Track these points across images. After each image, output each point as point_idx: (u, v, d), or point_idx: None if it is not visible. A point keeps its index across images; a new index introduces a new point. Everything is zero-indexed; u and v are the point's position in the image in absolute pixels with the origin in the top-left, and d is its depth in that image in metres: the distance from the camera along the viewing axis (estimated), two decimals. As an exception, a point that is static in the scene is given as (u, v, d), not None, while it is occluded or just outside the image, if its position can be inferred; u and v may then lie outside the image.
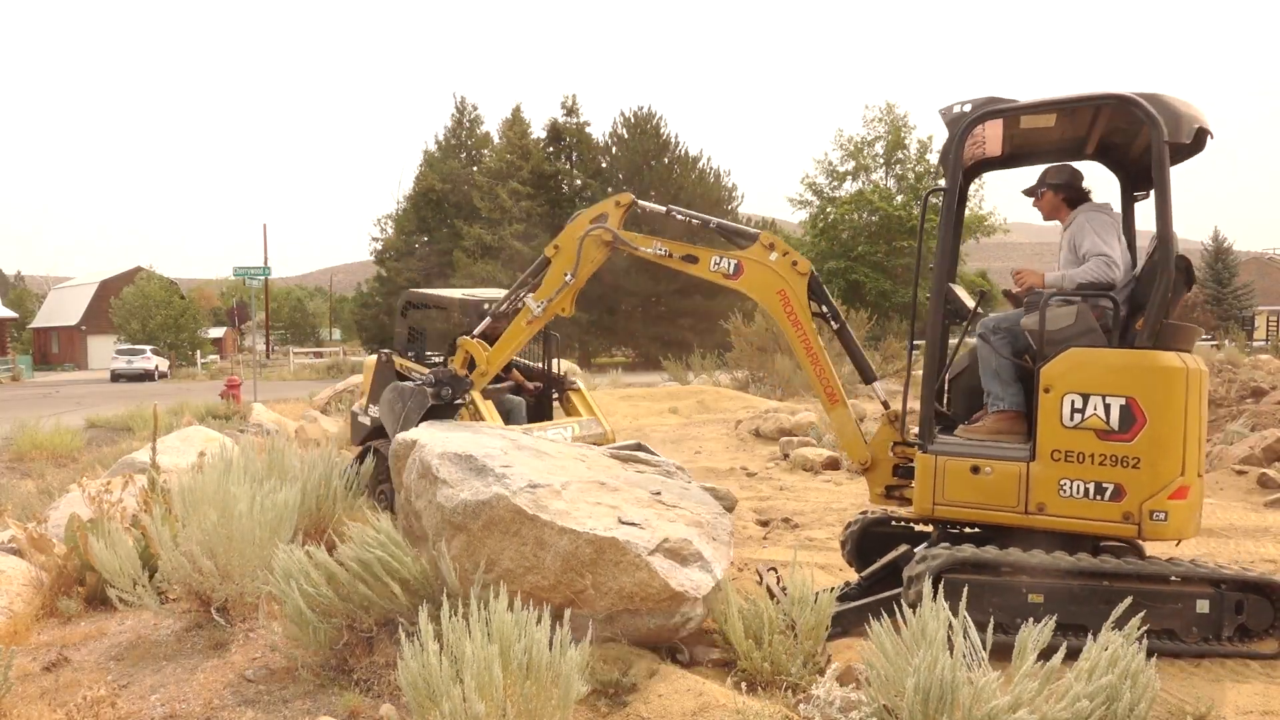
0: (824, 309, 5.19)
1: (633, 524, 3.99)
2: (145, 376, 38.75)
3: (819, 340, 5.12)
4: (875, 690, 2.96)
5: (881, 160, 46.11)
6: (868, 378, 5.36)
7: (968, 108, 4.46)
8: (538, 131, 46.88)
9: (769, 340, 20.31)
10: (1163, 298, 4.11)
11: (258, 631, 4.38)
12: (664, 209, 5.69)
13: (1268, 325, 54.34)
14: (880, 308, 35.24)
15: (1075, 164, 4.85)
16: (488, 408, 7.38)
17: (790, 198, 46.96)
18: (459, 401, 5.74)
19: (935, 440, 4.50)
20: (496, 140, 47.46)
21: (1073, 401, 4.12)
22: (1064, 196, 4.75)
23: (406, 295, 9.22)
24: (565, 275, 5.48)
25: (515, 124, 46.23)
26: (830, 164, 46.58)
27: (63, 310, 62.26)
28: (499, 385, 8.47)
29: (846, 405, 5.08)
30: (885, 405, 5.19)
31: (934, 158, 45.31)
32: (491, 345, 5.85)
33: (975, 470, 4.32)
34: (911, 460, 4.76)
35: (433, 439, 4.46)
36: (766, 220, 46.27)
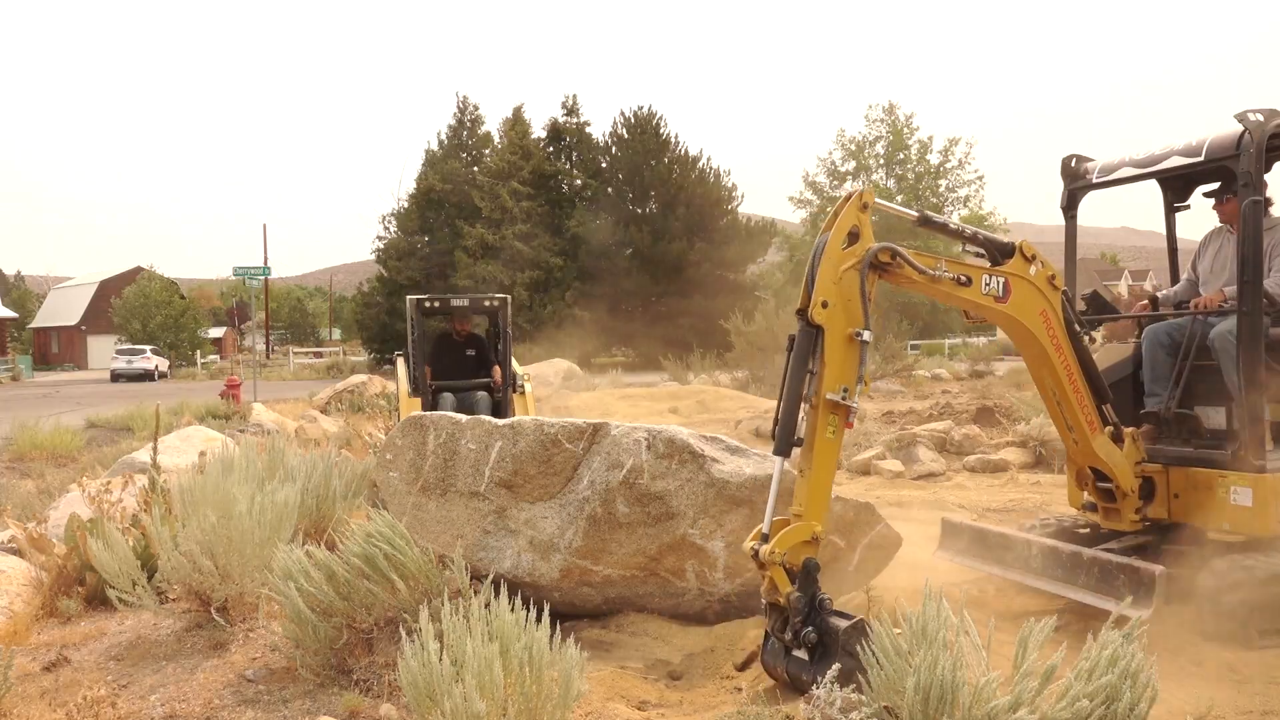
0: (1075, 330, 4.46)
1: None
2: (145, 376, 38.76)
3: (1077, 364, 4.45)
4: (876, 690, 2.96)
5: (882, 160, 46.14)
6: (1103, 398, 4.62)
7: (1260, 117, 4.33)
8: (538, 131, 46.89)
9: (769, 340, 20.31)
10: None
11: (258, 631, 4.38)
12: (914, 213, 4.24)
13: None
14: (880, 308, 35.19)
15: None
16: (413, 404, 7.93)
17: (791, 196, 47.00)
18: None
19: (1267, 458, 4.35)
20: (497, 140, 47.46)
21: None
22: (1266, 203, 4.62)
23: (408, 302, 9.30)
24: (858, 333, 3.73)
25: (516, 124, 46.22)
26: (832, 163, 46.63)
27: (63, 310, 62.29)
28: (478, 381, 8.69)
29: (1104, 433, 4.63)
30: (1115, 426, 4.68)
31: (934, 158, 45.41)
32: None
33: None
34: (1149, 477, 4.73)
35: (622, 425, 4.58)
36: (767, 220, 46.27)
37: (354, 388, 18.54)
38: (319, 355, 52.79)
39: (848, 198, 3.89)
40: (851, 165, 46.38)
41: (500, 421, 4.74)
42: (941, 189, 45.85)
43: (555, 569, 4.40)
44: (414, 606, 3.67)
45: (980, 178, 45.48)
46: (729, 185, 44.71)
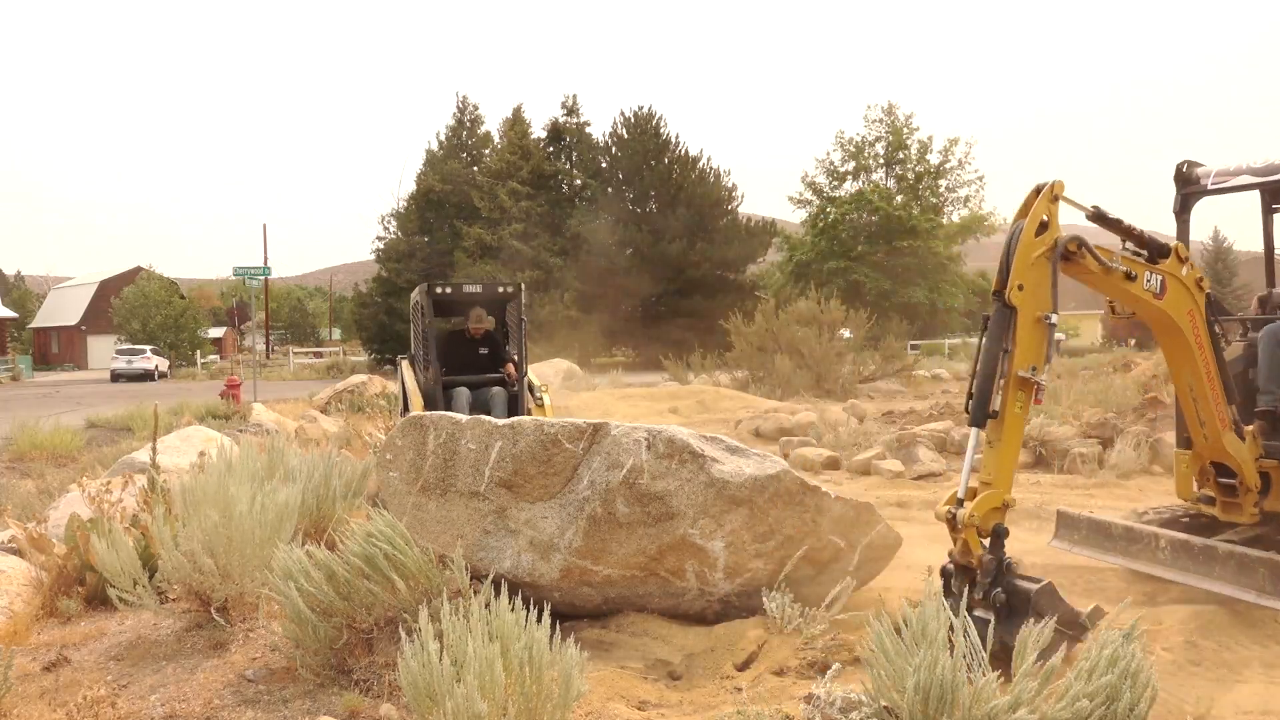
0: (1215, 330, 4.69)
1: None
2: (145, 376, 38.74)
3: (1215, 366, 4.65)
4: (876, 690, 2.96)
5: (882, 160, 46.12)
6: (1231, 399, 4.78)
7: None
8: (538, 131, 46.89)
9: (769, 340, 20.32)
10: None
11: (258, 631, 4.38)
12: (1089, 208, 4.38)
13: (1268, 325, 54.22)
14: (880, 308, 35.21)
15: None
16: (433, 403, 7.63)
17: (791, 196, 46.98)
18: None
19: None
20: (497, 140, 47.45)
21: None
22: None
23: (411, 296, 9.20)
24: (1046, 316, 3.97)
25: (516, 124, 46.22)
26: (831, 163, 46.60)
27: (63, 310, 62.26)
28: (492, 376, 8.52)
29: (1230, 425, 4.80)
30: (1236, 422, 4.82)
31: (935, 158, 45.39)
32: None
33: None
34: (1265, 472, 4.94)
35: (622, 425, 4.61)
36: (767, 220, 46.27)
37: (354, 388, 18.53)
38: (319, 355, 52.78)
39: (1039, 190, 4.07)
40: (851, 165, 46.35)
41: (500, 421, 4.73)
42: (941, 189, 45.83)
43: (555, 569, 4.40)
44: (414, 606, 3.67)
45: (980, 177, 45.49)
46: (729, 185, 44.73)
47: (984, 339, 3.95)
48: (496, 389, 8.38)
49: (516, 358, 8.70)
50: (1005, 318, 3.89)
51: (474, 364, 8.54)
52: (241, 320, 44.10)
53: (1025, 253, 3.92)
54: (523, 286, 8.80)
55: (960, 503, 3.78)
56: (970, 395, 3.95)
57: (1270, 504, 4.98)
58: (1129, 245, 4.50)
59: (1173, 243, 4.57)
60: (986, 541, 3.72)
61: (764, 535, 4.42)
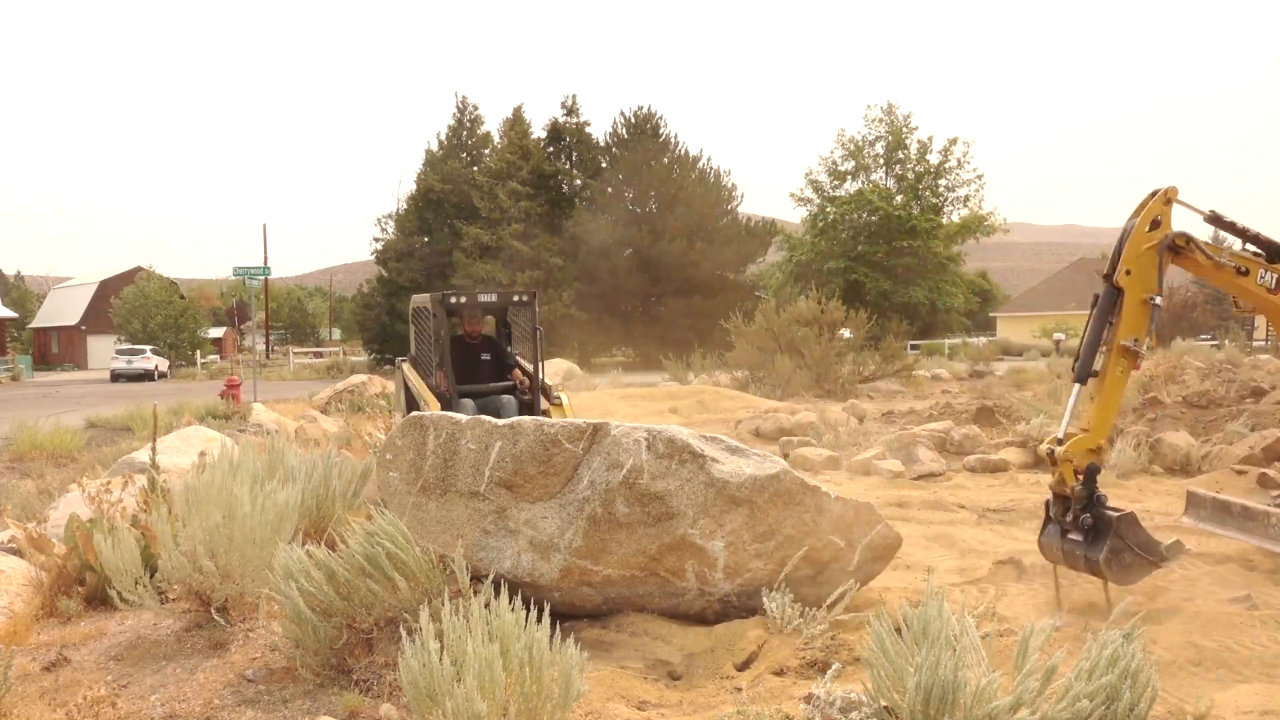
0: None
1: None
2: (145, 376, 38.73)
3: None
4: (876, 690, 2.96)
5: (882, 160, 46.12)
6: None
7: None
8: (538, 131, 46.88)
9: (769, 340, 20.31)
10: None
11: (258, 631, 4.38)
12: (1205, 211, 5.00)
13: (1267, 325, 54.24)
14: (880, 308, 35.22)
15: None
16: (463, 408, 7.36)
17: (793, 193, 46.94)
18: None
19: None
20: (497, 140, 47.44)
21: None
22: None
23: (411, 301, 9.06)
24: (1150, 298, 4.69)
25: (516, 124, 46.20)
26: (832, 163, 46.59)
27: (63, 310, 62.24)
28: (499, 385, 8.40)
29: None
30: None
31: (934, 158, 45.39)
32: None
33: None
34: None
35: (622, 425, 4.62)
36: (767, 220, 46.26)
37: (354, 388, 18.53)
38: (319, 355, 52.77)
39: (1154, 193, 4.81)
40: (851, 165, 46.34)
41: (500, 421, 4.72)
42: (941, 188, 45.83)
43: (555, 569, 4.40)
44: (414, 606, 3.67)
45: (980, 177, 45.48)
46: (729, 185, 44.72)
47: (1093, 312, 4.76)
48: (506, 397, 8.17)
49: (520, 363, 8.55)
50: (1112, 297, 4.73)
51: (476, 371, 8.34)
52: (241, 320, 44.11)
53: (1135, 245, 4.73)
54: (537, 295, 8.62)
55: (1060, 442, 4.58)
56: (1077, 357, 4.81)
57: None
58: (1248, 246, 5.02)
59: None
60: (1081, 477, 4.49)
61: (764, 535, 4.42)
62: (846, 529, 4.58)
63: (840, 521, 4.56)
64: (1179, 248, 4.78)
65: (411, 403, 8.48)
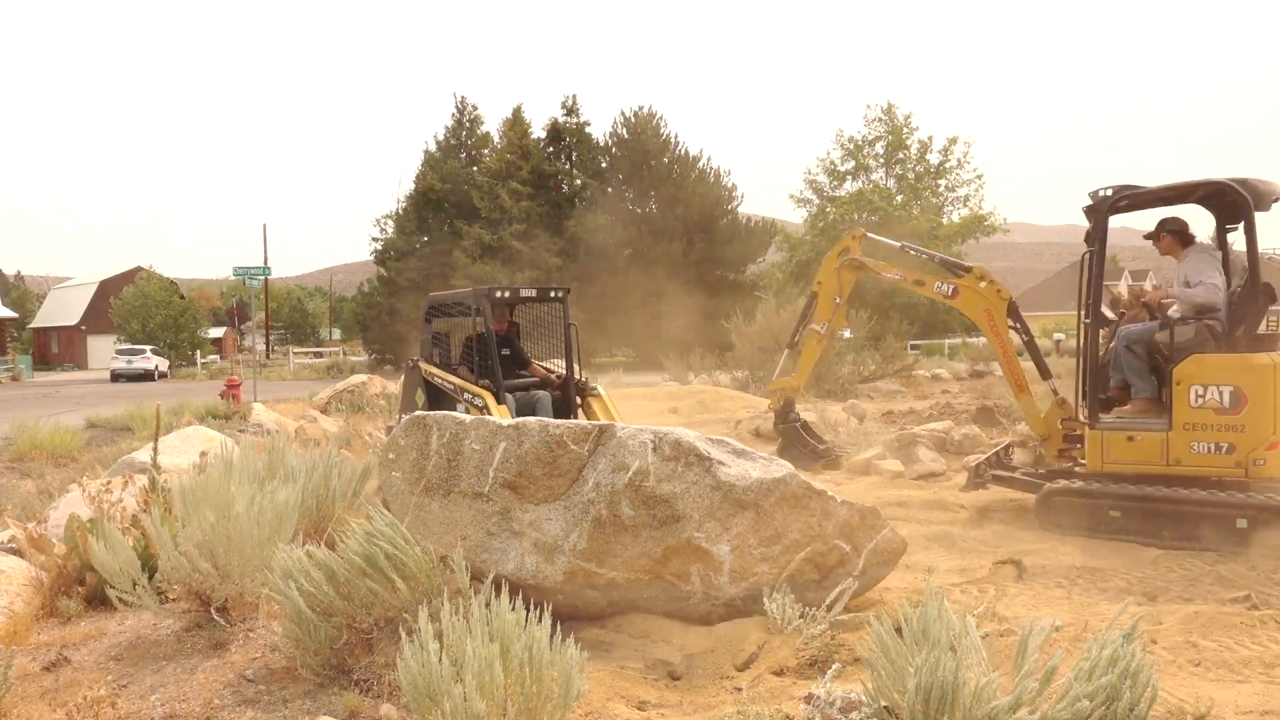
0: (1016, 325, 7.33)
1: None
2: (145, 376, 38.71)
3: (1012, 347, 7.46)
4: (876, 690, 2.96)
5: (882, 160, 46.10)
6: (1045, 375, 7.48)
7: (1109, 192, 6.37)
8: (538, 131, 46.85)
9: (769, 340, 20.29)
10: (1255, 316, 6.22)
11: (257, 631, 4.38)
12: (898, 244, 8.08)
13: (1268, 326, 54.22)
14: (880, 308, 35.18)
15: (1179, 209, 6.67)
16: (501, 412, 7.36)
17: (792, 194, 46.93)
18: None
19: (1100, 420, 6.47)
20: (497, 140, 47.42)
21: (1196, 390, 5.97)
22: (1178, 239, 6.56)
23: (429, 300, 9.02)
24: (835, 299, 7.99)
25: (515, 124, 46.18)
26: (831, 163, 46.56)
27: (63, 310, 62.23)
28: (524, 380, 8.44)
29: (1030, 394, 7.40)
30: (1055, 392, 7.38)
31: (934, 158, 45.42)
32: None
33: (1130, 439, 6.29)
34: (1077, 432, 6.96)
35: (628, 426, 4.64)
36: (767, 220, 46.22)
37: (354, 388, 18.52)
38: (319, 355, 52.74)
39: (848, 233, 7.56)
40: (851, 165, 46.33)
41: (505, 422, 4.72)
42: (941, 188, 45.81)
43: (559, 571, 4.39)
44: (414, 606, 3.67)
45: (979, 177, 45.47)
46: (729, 185, 44.71)
47: (805, 307, 8.14)
48: (542, 393, 8.24)
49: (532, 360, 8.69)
50: (811, 298, 8.31)
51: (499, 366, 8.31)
52: (241, 320, 44.08)
53: (826, 265, 8.06)
54: (569, 290, 8.89)
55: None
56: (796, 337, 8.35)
57: (1081, 454, 6.88)
58: (942, 265, 7.75)
59: (975, 266, 7.61)
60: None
61: (770, 539, 4.40)
62: (852, 533, 4.57)
63: (846, 526, 4.54)
64: (859, 266, 7.83)
65: (433, 403, 8.38)
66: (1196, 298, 6.21)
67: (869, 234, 8.18)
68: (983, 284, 7.40)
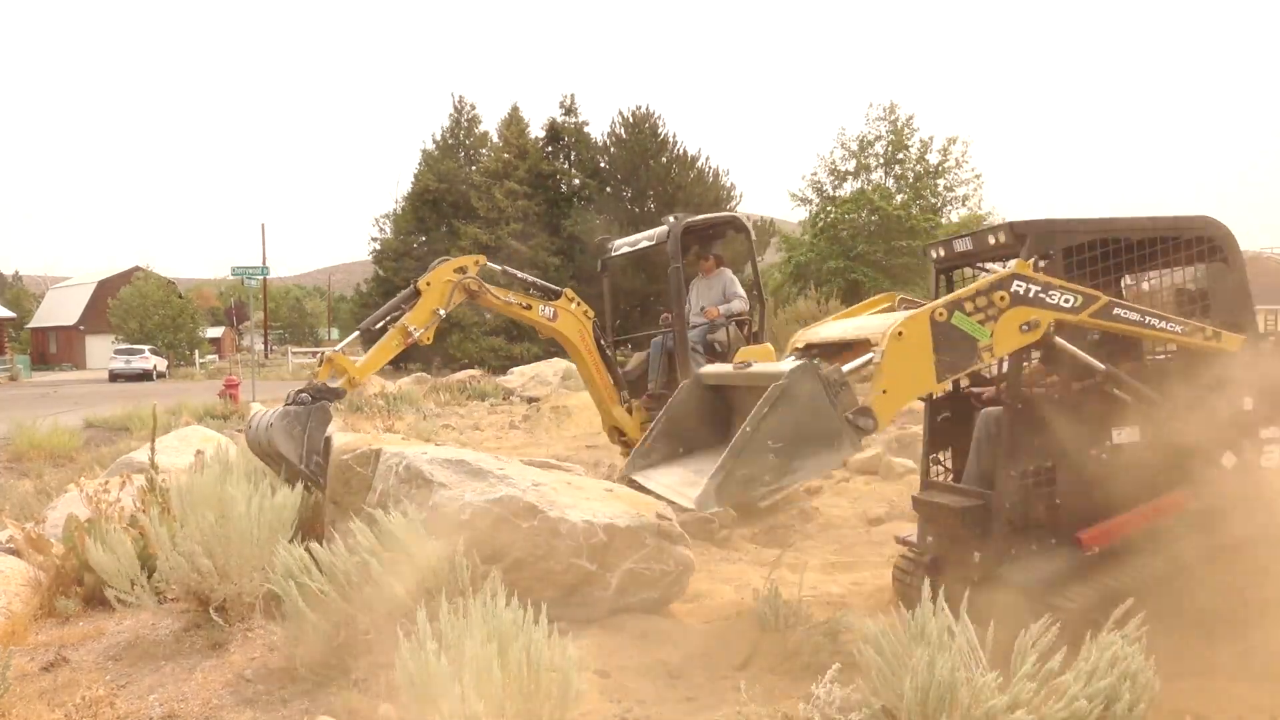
0: (601, 344, 7.93)
1: (611, 514, 4.64)
2: (143, 376, 38.71)
3: (602, 365, 7.92)
4: (875, 690, 2.96)
5: (882, 160, 46.10)
6: (620, 386, 8.07)
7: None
8: (536, 131, 46.84)
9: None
10: (762, 320, 8.58)
11: (256, 631, 4.37)
12: (500, 268, 7.67)
13: (1265, 324, 54.36)
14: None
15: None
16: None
17: (792, 193, 46.90)
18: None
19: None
20: (495, 139, 47.41)
21: None
22: (716, 262, 8.79)
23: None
24: (438, 310, 6.83)
25: (513, 123, 46.16)
26: (832, 163, 46.56)
27: (61, 310, 62.19)
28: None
29: (617, 403, 8.03)
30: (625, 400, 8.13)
31: (934, 158, 45.43)
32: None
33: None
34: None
35: (401, 448, 5.04)
36: (765, 220, 46.23)
37: (352, 387, 18.50)
38: (317, 355, 52.71)
39: (472, 259, 7.21)
40: (852, 165, 46.33)
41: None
42: (940, 188, 45.83)
43: None
44: (413, 606, 3.67)
45: (978, 176, 45.47)
46: (728, 185, 44.72)
47: (402, 296, 7.07)
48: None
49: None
50: (415, 295, 6.92)
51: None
52: (240, 320, 43.97)
53: (438, 276, 6.93)
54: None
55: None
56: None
57: None
58: (535, 289, 7.62)
59: (565, 290, 7.78)
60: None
61: (490, 558, 4.30)
62: (597, 553, 4.45)
63: (583, 546, 4.43)
64: (472, 291, 7.01)
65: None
66: (736, 308, 8.35)
67: (486, 263, 7.45)
68: (573, 305, 7.66)
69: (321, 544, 4.12)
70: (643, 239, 8.89)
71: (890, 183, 46.11)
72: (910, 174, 45.80)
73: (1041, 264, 3.92)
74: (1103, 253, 4.05)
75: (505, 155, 44.34)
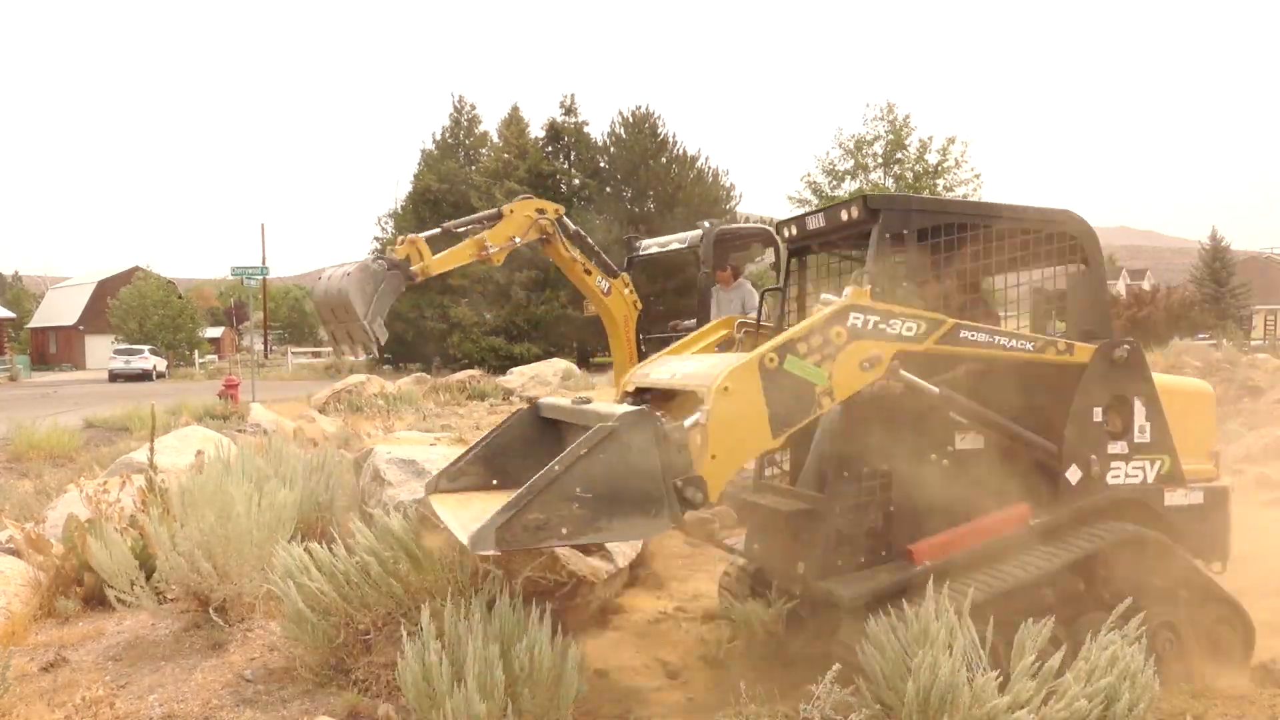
0: (640, 336, 7.91)
1: None
2: (143, 376, 38.65)
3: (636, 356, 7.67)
4: (874, 691, 2.96)
5: (880, 160, 46.08)
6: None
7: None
8: (536, 131, 46.82)
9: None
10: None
11: (256, 631, 4.37)
12: (575, 228, 7.24)
13: (1265, 324, 54.29)
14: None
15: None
16: None
17: (790, 195, 46.89)
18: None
19: None
20: (494, 139, 47.40)
21: None
22: (733, 273, 8.41)
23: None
24: (514, 238, 6.72)
25: (513, 123, 46.14)
26: (831, 163, 46.54)
27: (60, 310, 62.14)
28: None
29: None
30: None
31: (934, 158, 45.45)
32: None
33: None
34: None
35: (383, 448, 5.42)
36: (766, 220, 46.19)
37: (352, 388, 18.52)
38: (317, 355, 52.68)
39: (554, 205, 7.02)
40: (850, 164, 46.31)
41: None
42: (939, 188, 45.81)
43: None
44: (414, 606, 3.67)
45: (977, 176, 45.46)
46: (727, 185, 44.70)
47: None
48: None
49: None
50: (495, 215, 6.87)
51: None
52: (239, 320, 44.05)
53: (525, 205, 6.80)
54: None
55: None
56: None
57: None
58: (597, 260, 7.32)
59: (623, 273, 7.63)
60: None
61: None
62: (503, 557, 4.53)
63: None
64: (547, 234, 6.84)
65: None
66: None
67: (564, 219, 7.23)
68: (626, 290, 7.68)
69: (321, 544, 4.12)
70: (674, 241, 8.91)
71: (889, 183, 46.09)
72: (909, 174, 45.77)
73: (889, 239, 3.64)
74: (959, 239, 3.74)
75: (505, 155, 44.33)
